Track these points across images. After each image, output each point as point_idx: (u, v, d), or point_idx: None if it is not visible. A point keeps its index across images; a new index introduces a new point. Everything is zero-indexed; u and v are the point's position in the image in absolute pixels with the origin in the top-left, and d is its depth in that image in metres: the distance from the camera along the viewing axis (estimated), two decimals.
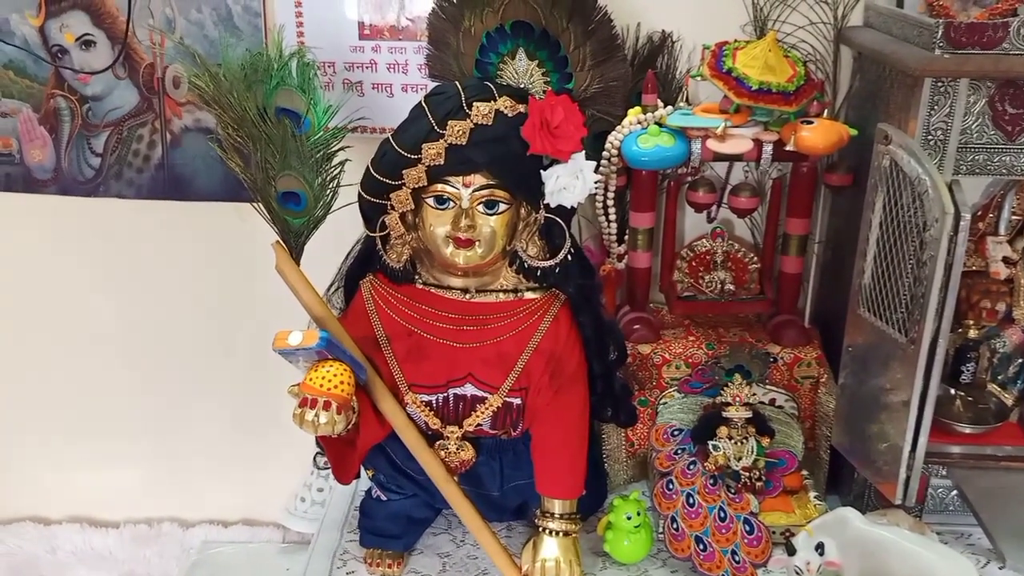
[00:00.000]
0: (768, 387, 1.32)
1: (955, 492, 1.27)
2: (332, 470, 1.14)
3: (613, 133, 1.22)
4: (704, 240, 1.39)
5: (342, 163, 1.11)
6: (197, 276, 1.58)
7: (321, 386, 0.98)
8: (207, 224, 1.53)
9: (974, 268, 1.29)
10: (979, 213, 1.27)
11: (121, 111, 1.47)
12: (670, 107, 1.23)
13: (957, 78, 1.07)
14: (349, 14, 1.38)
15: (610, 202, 1.29)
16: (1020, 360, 1.32)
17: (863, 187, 1.15)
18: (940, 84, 1.08)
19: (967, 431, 1.27)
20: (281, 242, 1.09)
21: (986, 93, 1.09)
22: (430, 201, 1.06)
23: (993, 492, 1.22)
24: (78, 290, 1.61)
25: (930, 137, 1.10)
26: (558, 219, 1.09)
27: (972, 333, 1.30)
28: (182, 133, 1.47)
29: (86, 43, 1.44)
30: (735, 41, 1.20)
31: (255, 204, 1.08)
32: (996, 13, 1.16)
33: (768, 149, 1.19)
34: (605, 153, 1.23)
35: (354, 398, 1.02)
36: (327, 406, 0.98)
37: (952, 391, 1.31)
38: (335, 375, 0.99)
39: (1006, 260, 1.28)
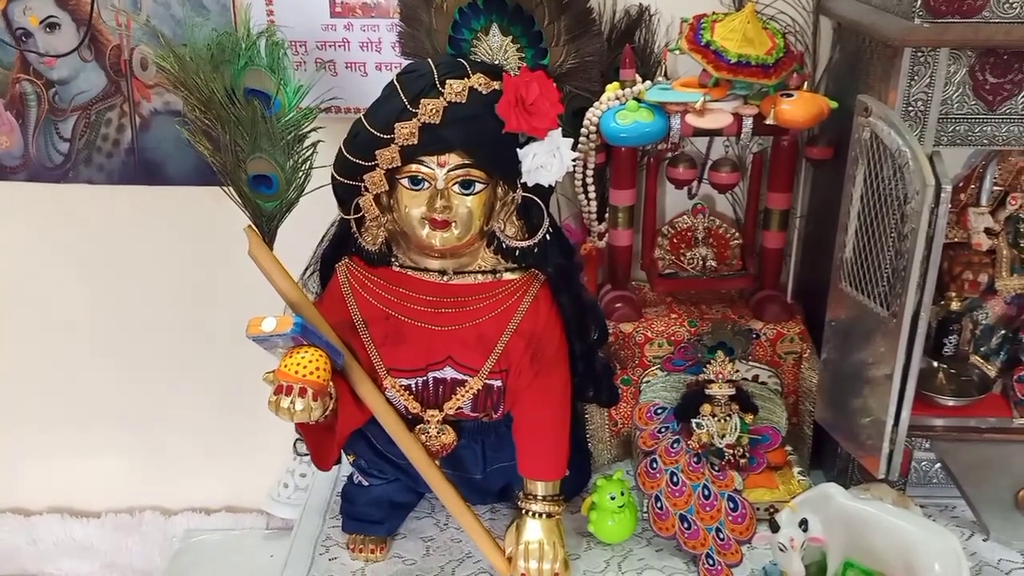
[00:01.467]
0: (751, 363, 1.31)
1: (938, 465, 1.27)
2: (311, 457, 1.13)
3: (591, 109, 1.20)
4: (685, 217, 1.38)
5: (314, 144, 1.08)
6: (172, 262, 1.56)
7: (296, 372, 0.97)
8: (180, 209, 1.50)
9: (956, 240, 1.28)
10: (960, 184, 1.26)
11: (88, 95, 1.44)
12: (648, 82, 1.21)
13: (937, 48, 1.06)
14: None
15: (589, 180, 1.27)
16: (1002, 331, 1.32)
17: (844, 160, 1.14)
18: (920, 54, 1.06)
19: (950, 403, 1.27)
20: (253, 226, 1.07)
21: (966, 63, 1.07)
22: (404, 182, 1.04)
23: (976, 464, 1.22)
24: (51, 278, 1.59)
25: (910, 108, 1.09)
26: (536, 198, 1.08)
27: (954, 305, 1.30)
28: (152, 116, 1.44)
29: (50, 25, 1.41)
30: (713, 14, 1.18)
31: (225, 188, 1.06)
32: None
33: (748, 123, 1.18)
34: (583, 130, 1.21)
35: (331, 384, 1.01)
36: (303, 393, 0.96)
37: (935, 364, 1.31)
38: (310, 361, 0.98)
39: (988, 231, 1.27)
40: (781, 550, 1.05)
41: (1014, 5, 1.02)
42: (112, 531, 1.71)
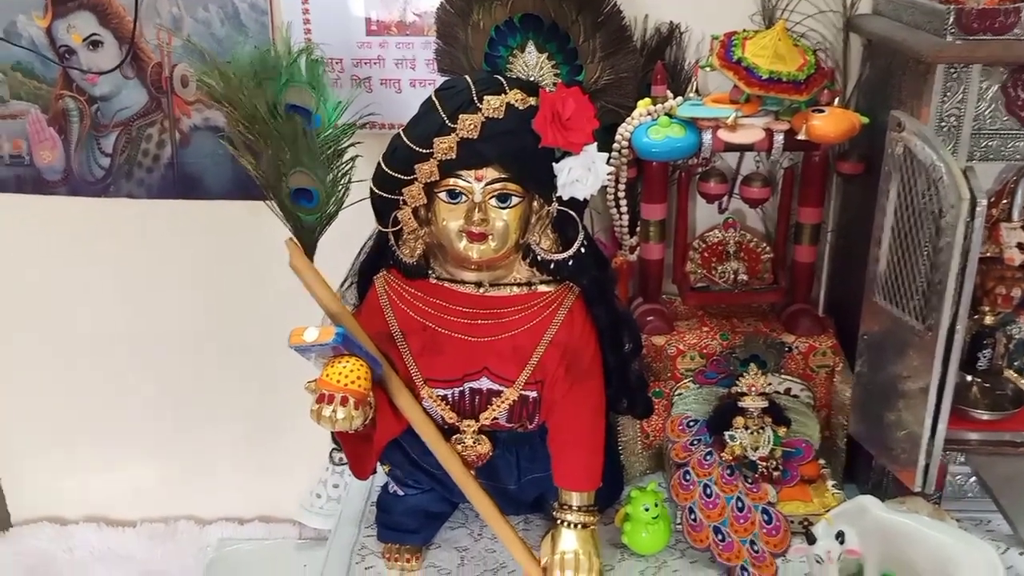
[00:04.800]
0: (783, 376, 1.31)
1: (973, 479, 1.27)
2: (349, 466, 1.14)
3: (623, 125, 1.21)
4: (716, 231, 1.39)
5: (353, 159, 1.10)
6: (209, 274, 1.58)
7: (338, 382, 0.98)
8: (217, 222, 1.52)
9: (988, 254, 1.28)
10: (992, 199, 1.26)
11: (130, 111, 1.47)
12: (680, 98, 1.22)
13: (969, 64, 1.07)
14: (355, 10, 1.38)
15: (621, 194, 1.29)
16: None
17: (875, 175, 1.14)
18: (952, 70, 1.07)
19: (984, 417, 1.26)
20: (294, 239, 1.09)
21: (999, 79, 1.08)
22: (442, 195, 1.06)
23: (1012, 478, 1.21)
24: (91, 291, 1.61)
25: (943, 124, 1.10)
26: (571, 211, 1.09)
27: (988, 319, 1.29)
28: (191, 132, 1.47)
29: (93, 43, 1.44)
30: (744, 31, 1.19)
31: (267, 202, 1.08)
32: None
33: (779, 138, 1.18)
34: (616, 145, 1.22)
35: (371, 393, 1.02)
36: (344, 401, 0.98)
37: (969, 378, 1.30)
38: (352, 370, 0.99)
39: (1020, 246, 1.26)
40: (817, 562, 1.05)
41: None
42: (147, 540, 1.73)
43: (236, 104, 1.05)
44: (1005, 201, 1.27)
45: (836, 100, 1.21)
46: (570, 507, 1.15)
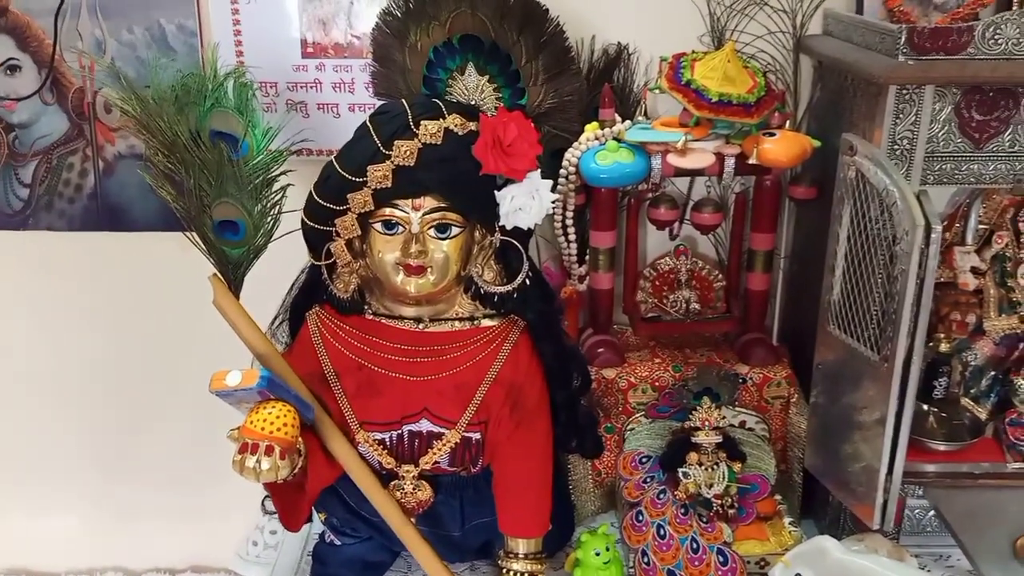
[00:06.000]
0: (737, 409, 1.27)
1: (932, 513, 1.24)
2: (280, 517, 1.07)
3: (570, 150, 1.17)
4: (667, 258, 1.35)
5: (283, 188, 1.05)
6: (135, 311, 1.51)
7: (263, 429, 0.92)
8: (144, 256, 1.46)
9: (942, 280, 1.26)
10: (945, 223, 1.24)
11: (50, 139, 1.40)
12: (628, 122, 1.19)
13: (922, 85, 1.04)
14: (291, 32, 1.32)
15: (569, 221, 1.25)
16: (992, 373, 1.29)
17: (828, 200, 1.11)
18: (905, 92, 1.04)
19: (942, 448, 1.23)
20: (219, 275, 1.02)
21: (952, 100, 1.05)
22: (378, 226, 1.01)
23: (972, 511, 1.18)
24: (10, 328, 1.54)
25: (896, 147, 1.07)
26: (514, 241, 1.04)
27: (943, 347, 1.27)
28: (116, 160, 1.40)
29: (11, 68, 1.37)
30: (693, 52, 1.16)
31: (189, 234, 1.01)
32: (958, 17, 1.14)
33: (730, 163, 1.15)
34: (563, 171, 1.18)
35: (300, 440, 0.96)
36: (269, 451, 0.91)
37: (924, 407, 1.27)
38: (278, 416, 0.93)
39: (974, 270, 1.25)
40: None
41: (999, 41, 1.01)
42: None
43: (155, 131, 1.00)
44: (958, 225, 1.26)
45: (787, 123, 1.18)
46: (516, 555, 1.10)
